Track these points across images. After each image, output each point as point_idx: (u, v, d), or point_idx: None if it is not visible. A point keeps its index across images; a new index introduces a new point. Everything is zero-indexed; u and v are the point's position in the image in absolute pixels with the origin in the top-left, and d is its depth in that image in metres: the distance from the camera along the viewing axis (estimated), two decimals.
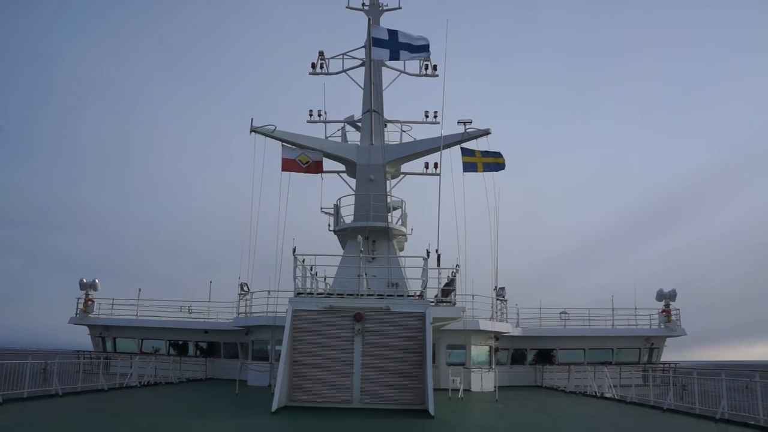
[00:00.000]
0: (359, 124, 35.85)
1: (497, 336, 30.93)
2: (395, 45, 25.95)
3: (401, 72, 35.02)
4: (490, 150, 30.40)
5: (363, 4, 35.80)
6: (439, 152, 30.00)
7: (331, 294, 21.89)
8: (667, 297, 33.71)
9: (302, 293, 21.19)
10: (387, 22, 35.29)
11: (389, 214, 33.21)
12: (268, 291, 28.86)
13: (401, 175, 36.31)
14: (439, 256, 22.26)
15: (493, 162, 29.73)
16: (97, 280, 34.46)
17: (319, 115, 36.09)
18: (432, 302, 22.15)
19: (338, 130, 36.15)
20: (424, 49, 26.13)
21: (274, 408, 17.39)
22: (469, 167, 29.50)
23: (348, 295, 20.93)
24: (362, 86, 34.99)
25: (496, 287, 31.40)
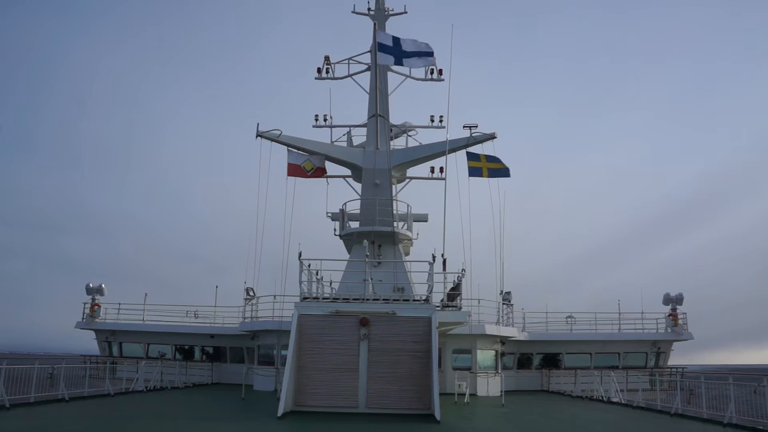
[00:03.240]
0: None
1: (503, 340, 30.85)
2: (399, 51, 26.08)
3: (407, 76, 35.03)
4: (495, 155, 30.36)
5: (369, 9, 35.80)
6: (444, 157, 29.98)
7: (337, 298, 21.89)
8: (673, 301, 33.55)
9: (308, 298, 21.21)
10: (393, 26, 35.36)
11: (411, 223, 33.30)
12: (274, 295, 28.86)
13: (407, 180, 36.31)
14: (444, 261, 22.26)
15: (498, 168, 29.72)
16: (103, 285, 34.57)
17: (325, 120, 36.10)
18: (438, 307, 22.14)
19: (344, 134, 36.19)
20: (428, 54, 26.25)
21: (279, 413, 17.39)
22: (474, 172, 29.47)
23: (354, 299, 20.93)
24: (368, 91, 35.03)
25: (502, 292, 31.34)
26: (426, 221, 36.09)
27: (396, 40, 26.25)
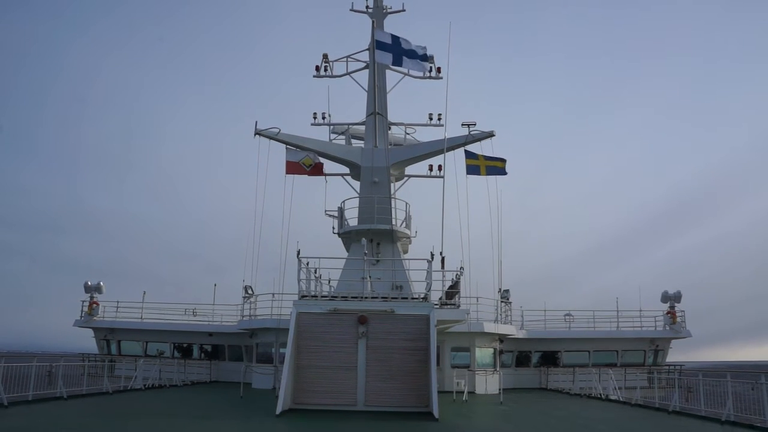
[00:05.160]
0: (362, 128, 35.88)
1: (501, 338, 30.87)
2: (398, 50, 26.09)
3: (405, 74, 35.03)
4: (494, 156, 30.33)
5: (367, 7, 35.79)
6: (443, 155, 30.00)
7: (336, 297, 21.89)
8: (671, 299, 33.61)
9: (306, 296, 21.20)
10: (391, 24, 35.36)
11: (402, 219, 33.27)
12: (273, 294, 28.90)
13: (405, 178, 36.32)
14: (443, 259, 22.26)
15: (496, 166, 29.73)
16: (101, 283, 34.54)
17: (323, 118, 36.13)
18: (436, 305, 22.13)
19: (342, 132, 36.18)
20: (425, 58, 26.42)
21: (278, 411, 17.39)
22: (472, 170, 29.47)
23: (352, 297, 20.93)
24: (366, 89, 35.01)
25: (500, 289, 31.37)
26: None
27: (395, 39, 26.25)
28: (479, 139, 31.06)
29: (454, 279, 23.86)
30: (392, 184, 33.92)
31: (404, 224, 33.28)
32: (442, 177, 27.99)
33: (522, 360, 33.98)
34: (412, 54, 26.09)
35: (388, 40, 26.29)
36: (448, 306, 23.74)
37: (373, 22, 30.13)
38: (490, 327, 29.06)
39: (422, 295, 21.52)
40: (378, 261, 29.67)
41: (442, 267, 22.25)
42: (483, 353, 29.57)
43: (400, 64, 26.71)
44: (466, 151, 30.24)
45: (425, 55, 26.43)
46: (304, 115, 37.04)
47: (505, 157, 30.25)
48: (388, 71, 35.05)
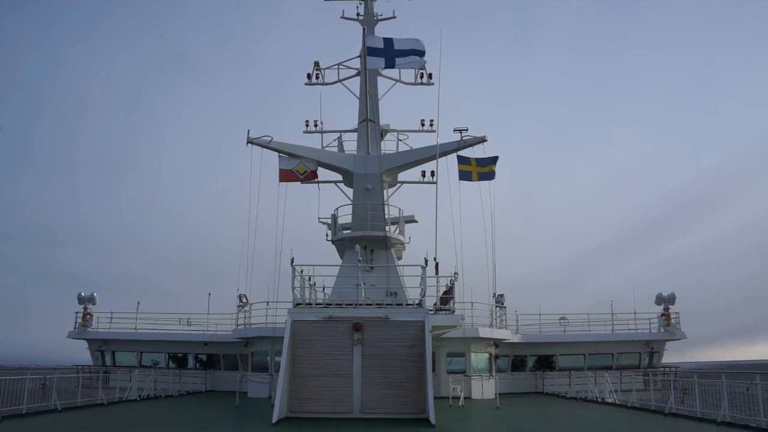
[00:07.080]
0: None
1: (497, 343, 30.87)
2: (390, 53, 26.05)
3: (397, 81, 35.14)
4: (486, 156, 30.40)
5: (358, 15, 35.94)
6: (435, 160, 30.05)
7: (330, 304, 21.87)
8: (666, 300, 33.68)
9: (301, 304, 21.18)
10: (382, 31, 35.41)
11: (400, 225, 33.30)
12: (267, 302, 28.83)
13: (398, 184, 36.34)
14: (437, 265, 22.27)
15: (488, 171, 29.78)
16: (95, 294, 34.38)
17: (316, 126, 36.15)
18: (431, 310, 22.13)
19: (334, 140, 36.23)
20: (420, 54, 26.25)
21: (274, 419, 17.35)
22: (464, 176, 29.52)
23: (347, 304, 20.92)
24: (358, 96, 35.07)
25: (495, 294, 31.38)
26: (416, 222, 36.04)
27: (388, 42, 26.19)
28: (471, 145, 31.11)
29: (449, 284, 23.88)
30: (385, 191, 33.94)
31: (398, 230, 33.29)
32: (435, 183, 28.03)
33: (518, 364, 33.95)
34: (406, 53, 25.99)
35: (380, 45, 26.23)
36: (443, 311, 23.74)
37: (364, 29, 30.20)
38: (485, 332, 29.06)
39: (417, 301, 21.52)
40: (372, 268, 29.64)
41: (437, 273, 22.26)
42: (478, 358, 29.57)
43: (393, 66, 26.69)
44: (458, 156, 30.31)
45: (422, 51, 26.24)
46: (296, 123, 37.10)
47: (501, 159, 30.37)
48: (379, 78, 35.14)
